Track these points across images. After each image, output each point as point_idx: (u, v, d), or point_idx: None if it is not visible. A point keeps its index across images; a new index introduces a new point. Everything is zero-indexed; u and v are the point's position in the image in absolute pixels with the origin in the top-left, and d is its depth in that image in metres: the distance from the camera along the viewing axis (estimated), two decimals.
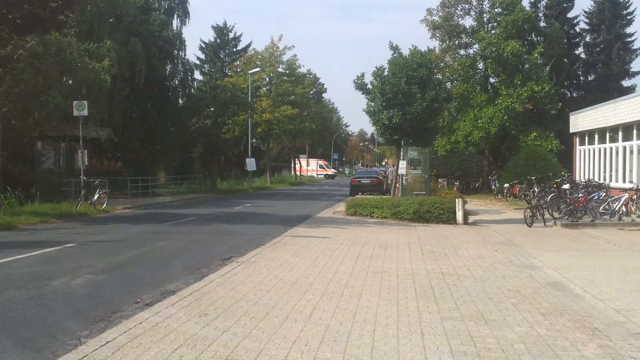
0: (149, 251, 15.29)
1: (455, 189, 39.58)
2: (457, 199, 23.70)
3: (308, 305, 8.94)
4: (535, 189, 28.04)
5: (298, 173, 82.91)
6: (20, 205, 24.29)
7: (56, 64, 28.49)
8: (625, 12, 53.88)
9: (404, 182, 28.73)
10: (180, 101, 48.92)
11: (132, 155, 42.25)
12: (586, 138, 33.09)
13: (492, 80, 44.68)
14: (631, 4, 53.89)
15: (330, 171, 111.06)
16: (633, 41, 53.85)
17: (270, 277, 11.24)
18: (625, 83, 53.20)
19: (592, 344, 7.19)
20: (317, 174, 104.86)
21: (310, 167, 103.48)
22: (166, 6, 49.22)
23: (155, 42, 42.48)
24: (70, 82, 31.76)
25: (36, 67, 27.11)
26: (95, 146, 37.14)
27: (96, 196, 27.15)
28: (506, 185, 35.07)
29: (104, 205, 27.25)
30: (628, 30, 53.89)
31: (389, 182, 33.65)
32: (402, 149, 27.78)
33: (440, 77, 37.91)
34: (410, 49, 27.33)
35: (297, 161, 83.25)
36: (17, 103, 27.21)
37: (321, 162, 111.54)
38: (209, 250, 15.40)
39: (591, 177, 30.73)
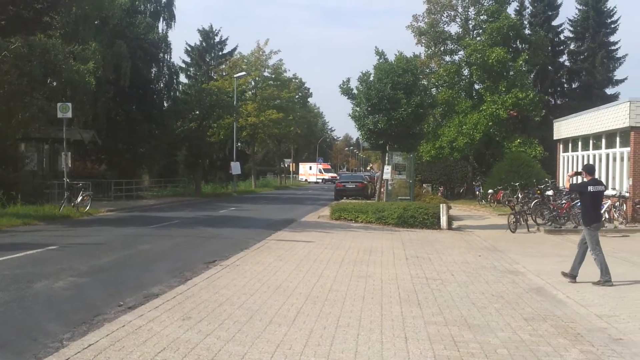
0: (132, 254, 15.21)
1: (439, 194, 39.65)
2: (441, 205, 23.77)
3: (292, 309, 8.93)
4: (519, 195, 28.18)
5: (303, 178, 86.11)
6: (2, 207, 24.09)
7: (41, 65, 28.34)
8: (609, 20, 54.31)
9: (388, 187, 28.76)
10: (165, 104, 48.73)
11: (116, 158, 42.07)
12: (570, 145, 33.29)
13: (477, 86, 44.87)
14: (615, 12, 54.38)
15: (329, 175, 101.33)
16: (617, 49, 54.34)
17: (254, 280, 11.22)
18: (609, 91, 53.63)
19: (574, 349, 7.24)
20: (317, 179, 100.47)
21: (312, 170, 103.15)
22: (152, 9, 49.06)
23: (140, 45, 42.33)
24: (55, 84, 31.59)
25: (20, 68, 26.96)
26: (79, 148, 36.96)
27: (79, 198, 26.98)
28: (490, 191, 35.22)
29: (87, 208, 27.08)
30: (612, 38, 54.37)
31: (376, 187, 33.72)
32: (387, 154, 27.81)
33: (425, 83, 38.12)
34: (396, 55, 27.42)
35: (290, 166, 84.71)
36: (1, 104, 27.05)
37: (322, 165, 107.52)
38: (192, 254, 15.35)
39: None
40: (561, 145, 34.72)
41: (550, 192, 25.29)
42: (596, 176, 12.84)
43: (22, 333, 7.77)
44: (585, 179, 12.27)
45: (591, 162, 29.43)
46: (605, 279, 11.54)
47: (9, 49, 25.82)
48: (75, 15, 33.37)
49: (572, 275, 11.91)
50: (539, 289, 10.93)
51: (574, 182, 13.14)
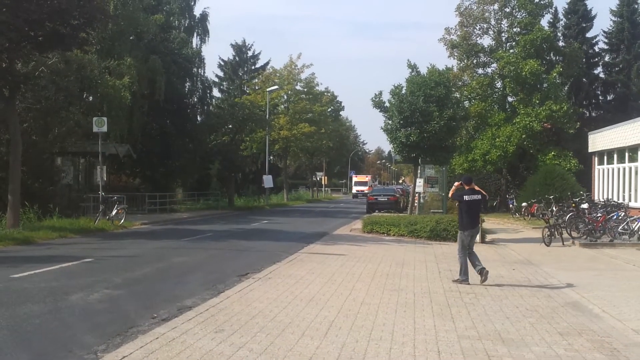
0: (166, 267, 15.33)
1: None
2: None
3: (324, 323, 8.92)
4: (554, 208, 27.79)
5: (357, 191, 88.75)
6: (39, 220, 24.45)
7: (77, 80, 28.91)
8: None
9: (421, 200, 28.64)
10: (199, 118, 49.21)
11: (150, 172, 42.52)
12: (605, 157, 32.86)
13: (510, 99, 44.57)
14: None
15: (366, 189, 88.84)
16: None
17: (287, 293, 11.23)
18: None
19: None
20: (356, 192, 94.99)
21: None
22: (186, 24, 49.68)
23: (174, 60, 42.84)
24: (91, 98, 32.17)
25: (57, 83, 27.52)
26: (114, 162, 37.42)
27: (114, 212, 27.29)
28: (524, 204, 34.86)
29: (122, 221, 27.38)
30: None
31: (408, 200, 33.60)
32: (419, 167, 27.72)
33: (458, 95, 37.92)
34: (428, 68, 27.38)
35: (322, 179, 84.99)
36: (38, 119, 27.60)
37: (356, 177, 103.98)
38: (225, 266, 15.43)
39: (610, 196, 30.48)
40: (596, 158, 34.28)
41: (585, 205, 24.96)
42: (632, 189, 12.93)
43: (57, 344, 7.87)
44: (465, 189, 13.61)
45: (627, 175, 29.05)
46: (463, 279, 13.04)
47: (46, 64, 26.35)
48: (111, 31, 33.99)
49: (462, 279, 13.07)
50: (575, 303, 10.78)
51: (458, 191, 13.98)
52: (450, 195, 14.83)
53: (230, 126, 49.17)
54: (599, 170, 33.79)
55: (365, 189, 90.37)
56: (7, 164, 24.19)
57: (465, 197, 13.45)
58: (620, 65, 53.19)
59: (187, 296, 11.16)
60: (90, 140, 30.77)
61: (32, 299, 10.58)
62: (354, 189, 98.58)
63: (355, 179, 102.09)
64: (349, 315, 9.48)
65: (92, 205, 30.09)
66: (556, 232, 22.04)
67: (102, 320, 9.28)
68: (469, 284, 12.81)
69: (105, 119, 27.75)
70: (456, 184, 14.30)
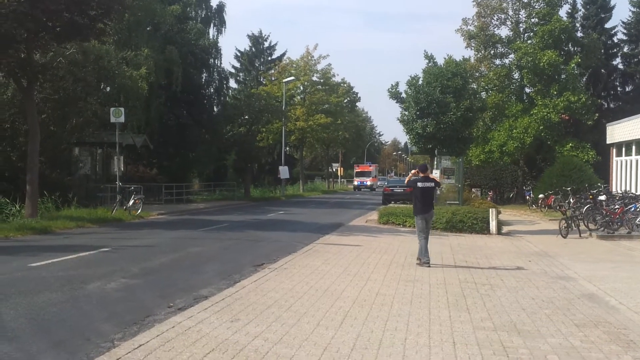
0: (182, 257, 15.41)
1: (489, 198, 39.24)
2: (490, 209, 23.50)
3: (339, 313, 8.94)
4: (571, 199, 27.65)
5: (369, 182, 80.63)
6: (57, 210, 24.67)
7: (94, 71, 29.05)
8: None
9: (437, 191, 28.55)
10: (215, 109, 49.35)
11: (167, 162, 42.69)
12: (623, 149, 32.62)
13: (527, 90, 44.35)
14: None
15: (369, 180, 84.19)
16: None
17: (302, 284, 11.26)
18: None
19: (627, 356, 7.09)
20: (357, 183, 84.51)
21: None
22: (203, 15, 49.77)
23: (191, 51, 42.94)
24: (108, 89, 32.32)
25: (75, 74, 27.67)
26: (131, 153, 37.61)
27: (131, 202, 27.46)
28: (541, 195, 34.71)
29: (139, 211, 27.54)
30: None
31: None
32: (435, 158, 27.64)
33: (475, 86, 37.75)
34: (445, 58, 27.28)
35: (338, 170, 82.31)
36: (56, 109, 27.79)
37: (359, 167, 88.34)
38: (241, 257, 15.48)
39: (628, 188, 30.28)
40: (614, 150, 34.04)
41: (603, 197, 24.80)
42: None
43: (75, 333, 7.94)
44: (420, 176, 14.67)
45: None
46: (424, 261, 14.03)
47: (64, 55, 26.50)
48: (128, 21, 34.13)
49: (424, 262, 14.02)
50: (591, 295, 10.72)
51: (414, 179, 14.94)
52: (406, 182, 15.93)
53: (246, 117, 49.22)
54: (617, 161, 33.55)
55: (369, 180, 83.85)
56: (25, 154, 24.40)
57: (419, 184, 14.51)
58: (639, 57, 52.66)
59: (203, 286, 11.21)
60: (107, 131, 30.97)
61: (50, 287, 10.67)
62: (355, 181, 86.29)
63: (356, 169, 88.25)
64: (364, 305, 9.50)
65: (109, 196, 30.28)
66: (573, 224, 21.92)
67: (119, 309, 9.35)
68: (429, 265, 13.84)
69: (122, 109, 27.90)
70: (412, 171, 15.37)
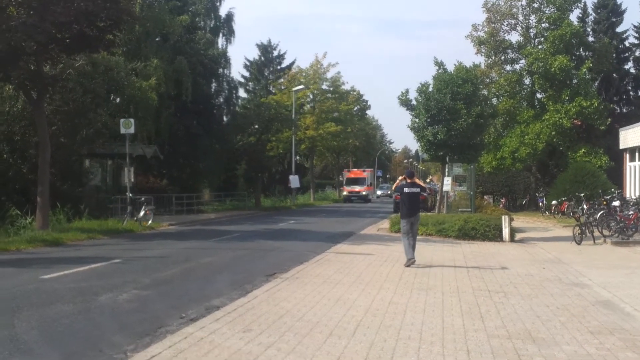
0: (193, 267, 15.38)
1: (501, 205, 39.05)
2: (503, 216, 23.35)
3: (352, 322, 8.87)
4: (584, 206, 27.47)
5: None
6: (68, 222, 24.70)
7: (104, 82, 29.18)
8: None
9: (449, 198, 28.46)
10: (225, 119, 49.46)
11: (177, 173, 42.75)
12: (637, 154, 32.40)
13: (539, 95, 44.20)
14: None
15: (363, 189, 69.75)
16: None
17: (314, 293, 11.20)
18: None
19: None
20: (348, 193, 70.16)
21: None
22: (212, 25, 49.88)
23: (200, 61, 43.04)
24: (118, 100, 32.40)
25: (84, 85, 27.79)
26: (142, 163, 37.67)
27: (142, 213, 27.46)
28: (554, 202, 34.54)
29: (150, 222, 27.55)
30: None
31: (436, 199, 33.50)
32: (447, 165, 27.55)
33: (485, 92, 37.69)
34: (455, 65, 27.19)
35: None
36: (66, 121, 27.89)
37: (349, 173, 73.68)
38: (253, 266, 15.44)
39: None
40: (628, 155, 33.82)
41: (617, 203, 24.60)
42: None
43: (87, 344, 7.91)
44: (407, 182, 15.58)
45: None
46: (409, 258, 14.98)
47: (73, 66, 26.61)
48: (137, 32, 34.28)
49: (409, 260, 14.94)
50: (606, 302, 10.61)
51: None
52: (393, 188, 16.51)
53: (256, 126, 49.32)
54: (630, 167, 33.33)
55: (362, 189, 69.25)
56: (36, 166, 24.46)
57: (405, 190, 15.45)
58: None
59: (215, 296, 11.16)
60: (117, 142, 31.01)
61: (62, 299, 10.65)
62: (345, 190, 70.56)
63: (346, 175, 72.92)
64: (377, 314, 9.42)
65: (120, 207, 30.30)
66: (587, 231, 21.77)
67: (131, 320, 9.32)
68: (414, 262, 14.91)
69: (132, 120, 27.93)
70: (400, 178, 16.19)
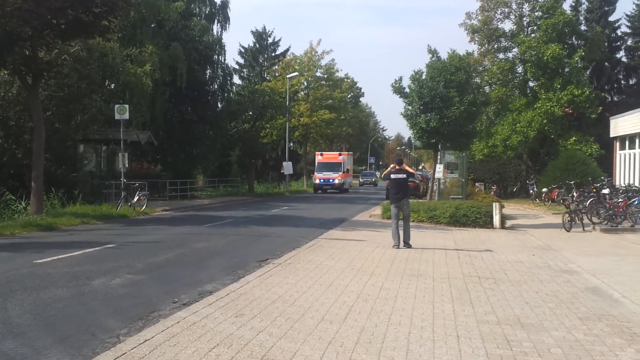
0: (187, 252, 15.46)
1: (492, 193, 39.26)
2: (494, 203, 23.52)
3: (343, 307, 8.98)
4: (574, 193, 27.65)
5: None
6: (62, 207, 24.76)
7: (99, 68, 29.13)
8: None
9: (440, 186, 28.58)
10: (220, 105, 49.29)
11: (171, 158, 42.69)
12: (627, 142, 32.58)
13: (531, 84, 44.27)
14: None
15: (338, 177, 55.53)
16: None
17: (306, 279, 11.30)
18: None
19: (630, 349, 7.12)
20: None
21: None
22: (207, 12, 49.69)
23: (195, 47, 42.86)
24: (113, 86, 32.32)
25: (79, 71, 27.76)
26: (136, 149, 37.67)
27: (136, 198, 27.52)
28: (544, 189, 34.71)
29: (144, 207, 27.60)
30: None
31: (428, 186, 33.64)
32: (439, 152, 27.65)
33: (478, 80, 37.76)
34: (448, 53, 27.26)
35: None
36: (61, 107, 27.88)
37: (321, 157, 58.43)
38: (245, 252, 15.52)
39: (631, 182, 30.25)
40: (618, 143, 34.00)
41: (606, 191, 24.79)
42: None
43: (81, 328, 7.99)
44: (395, 168, 16.49)
45: None
46: (395, 244, 15.87)
47: (68, 52, 26.55)
48: (132, 18, 34.14)
49: (405, 243, 15.97)
50: (595, 289, 10.75)
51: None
52: (382, 176, 17.26)
53: (250, 113, 49.20)
54: (620, 155, 33.52)
55: (336, 176, 55.44)
56: (30, 151, 24.48)
57: (392, 176, 16.42)
58: None
59: (208, 281, 11.26)
60: (112, 128, 31.00)
61: (56, 283, 10.73)
62: (316, 178, 56.44)
63: (319, 158, 58.22)
64: (368, 300, 9.53)
65: (114, 192, 30.36)
66: (577, 218, 21.97)
67: (124, 304, 9.41)
68: (398, 247, 15.73)
69: (127, 106, 27.93)
70: (391, 165, 17.07)
